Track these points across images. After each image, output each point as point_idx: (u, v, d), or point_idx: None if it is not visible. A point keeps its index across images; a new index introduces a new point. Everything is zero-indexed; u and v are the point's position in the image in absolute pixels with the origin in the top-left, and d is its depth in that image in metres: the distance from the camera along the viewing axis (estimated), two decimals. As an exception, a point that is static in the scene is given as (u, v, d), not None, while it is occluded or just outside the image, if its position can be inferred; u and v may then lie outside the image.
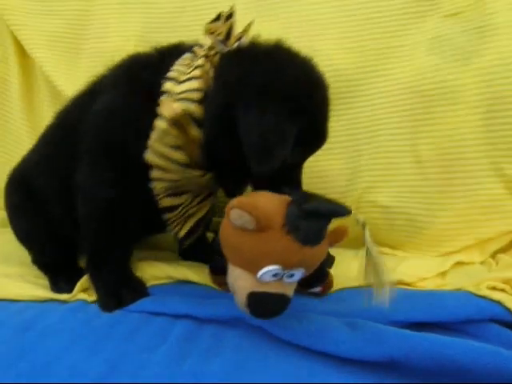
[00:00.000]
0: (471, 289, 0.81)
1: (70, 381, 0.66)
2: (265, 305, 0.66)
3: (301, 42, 1.05)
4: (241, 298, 0.67)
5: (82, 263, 0.97)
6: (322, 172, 1.04)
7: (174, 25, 1.15)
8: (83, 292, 0.88)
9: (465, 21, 0.99)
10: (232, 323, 0.75)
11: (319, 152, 0.99)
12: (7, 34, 1.18)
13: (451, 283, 0.89)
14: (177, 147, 0.75)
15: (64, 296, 0.87)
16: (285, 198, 0.66)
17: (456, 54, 0.98)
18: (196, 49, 0.80)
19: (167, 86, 0.75)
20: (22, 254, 0.99)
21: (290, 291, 0.67)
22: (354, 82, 1.04)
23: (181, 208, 0.82)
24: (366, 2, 1.06)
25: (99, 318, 0.79)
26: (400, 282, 0.90)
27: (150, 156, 0.75)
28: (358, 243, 1.03)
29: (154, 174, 0.77)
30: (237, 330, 0.75)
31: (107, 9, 1.16)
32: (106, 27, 1.15)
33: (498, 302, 0.78)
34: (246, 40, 0.78)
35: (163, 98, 0.74)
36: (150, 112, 0.74)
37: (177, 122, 0.73)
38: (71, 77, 1.15)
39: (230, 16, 0.77)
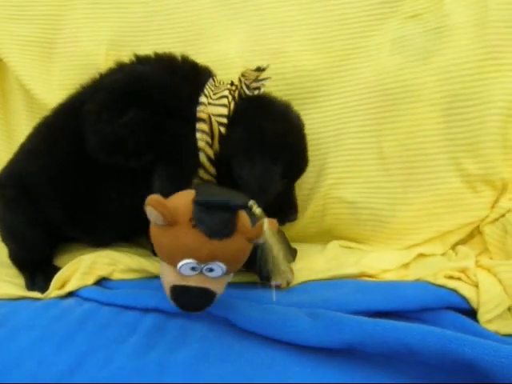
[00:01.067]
0: (429, 278, 0.84)
1: (39, 373, 0.68)
2: (186, 297, 0.69)
3: (269, 44, 1.09)
4: (167, 291, 0.71)
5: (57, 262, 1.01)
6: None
7: (147, 29, 1.16)
8: (58, 290, 0.89)
9: (424, 22, 1.02)
10: (199, 316, 0.77)
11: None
12: (-21, 38, 1.19)
13: (413, 274, 0.92)
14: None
15: (38, 295, 0.89)
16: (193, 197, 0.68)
17: (416, 53, 1.01)
18: (215, 79, 0.96)
19: (203, 99, 0.91)
20: (-4, 253, 1.01)
21: (215, 286, 0.69)
22: (321, 81, 1.07)
23: None
24: (331, 5, 1.08)
25: (71, 314, 0.81)
26: (363, 274, 0.92)
27: None
28: (323, 238, 1.06)
29: None
30: (203, 322, 0.77)
31: (78, 13, 1.17)
32: (77, 31, 1.16)
33: (454, 290, 0.81)
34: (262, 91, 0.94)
35: (201, 107, 0.90)
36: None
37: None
38: (44, 81, 1.15)
39: (263, 69, 0.90)
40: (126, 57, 1.07)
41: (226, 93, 0.92)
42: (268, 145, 0.89)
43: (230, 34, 1.11)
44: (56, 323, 0.79)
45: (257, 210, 0.64)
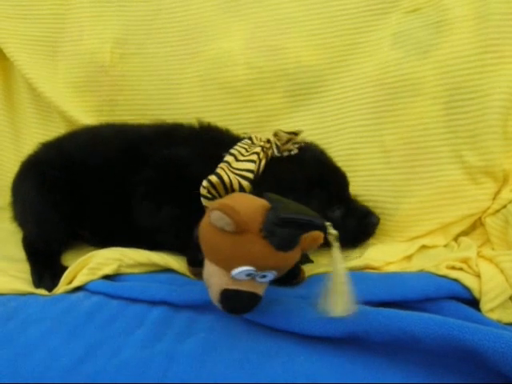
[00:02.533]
0: (432, 269, 0.85)
1: (49, 364, 0.69)
2: (236, 302, 0.69)
3: (271, 41, 1.10)
4: (214, 293, 0.70)
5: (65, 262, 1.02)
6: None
7: (150, 27, 1.18)
8: (66, 285, 0.91)
9: (424, 16, 1.04)
10: (206, 308, 0.78)
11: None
12: (-15, 37, 1.21)
13: (416, 266, 0.92)
14: None
15: (45, 292, 0.90)
16: (264, 204, 0.68)
17: (417, 47, 1.02)
18: (253, 137, 0.95)
19: (228, 158, 0.89)
20: (5, 248, 1.02)
21: (260, 291, 0.70)
22: (322, 77, 1.09)
23: None
24: (331, 0, 1.10)
25: (79, 307, 0.82)
26: (368, 267, 0.93)
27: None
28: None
29: None
30: (210, 315, 0.78)
31: (83, 12, 1.19)
32: (81, 30, 1.18)
33: (456, 280, 0.81)
34: (295, 151, 0.94)
35: (222, 164, 0.88)
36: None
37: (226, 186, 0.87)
38: (50, 79, 1.18)
39: (296, 133, 0.94)
40: (131, 55, 1.10)
41: (258, 149, 0.91)
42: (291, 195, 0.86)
43: (232, 31, 1.12)
44: (65, 316, 0.80)
45: (333, 232, 0.64)
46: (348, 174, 1.04)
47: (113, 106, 1.18)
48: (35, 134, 1.19)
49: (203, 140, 0.98)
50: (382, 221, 1.04)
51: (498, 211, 0.99)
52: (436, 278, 0.83)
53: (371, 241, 1.05)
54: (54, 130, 1.19)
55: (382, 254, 0.96)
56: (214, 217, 0.64)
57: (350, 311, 0.65)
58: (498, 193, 1.00)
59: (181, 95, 1.12)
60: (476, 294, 0.81)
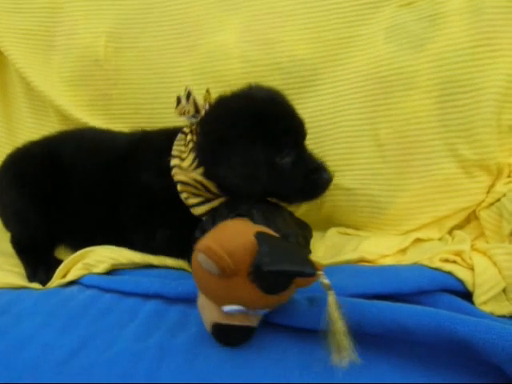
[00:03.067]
0: (425, 262, 0.85)
1: (42, 357, 0.69)
2: (228, 336, 0.68)
3: (265, 34, 1.10)
4: (207, 325, 0.70)
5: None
6: (287, 158, 1.07)
7: (145, 20, 1.17)
8: (59, 279, 0.91)
9: (418, 10, 1.03)
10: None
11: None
12: (-21, 31, 1.20)
13: (410, 259, 0.93)
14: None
15: (39, 286, 0.91)
16: (254, 244, 0.64)
17: (411, 41, 1.02)
18: (184, 129, 0.96)
19: (174, 162, 0.93)
20: (-1, 244, 1.02)
21: (255, 321, 0.69)
22: (316, 70, 1.08)
23: None
24: (325, -7, 1.10)
25: (73, 301, 0.83)
26: (362, 260, 0.93)
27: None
28: (321, 226, 1.07)
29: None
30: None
31: (77, 6, 1.19)
32: (76, 24, 1.18)
33: (450, 273, 0.82)
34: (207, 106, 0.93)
35: (174, 171, 0.92)
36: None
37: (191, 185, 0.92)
38: (44, 73, 1.18)
39: (189, 94, 0.92)
40: (125, 48, 1.10)
41: (190, 137, 0.94)
42: (235, 132, 0.87)
43: (227, 24, 1.12)
44: (59, 309, 0.80)
45: (324, 281, 0.62)
46: (342, 168, 1.05)
47: (107, 100, 1.18)
48: (29, 129, 1.19)
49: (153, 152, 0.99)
50: (376, 214, 1.04)
51: (492, 204, 0.99)
52: (430, 270, 0.83)
53: (365, 234, 1.06)
54: (48, 125, 1.19)
55: (377, 247, 0.96)
56: (200, 259, 0.62)
57: (351, 359, 0.60)
58: (492, 186, 1.01)
59: (175, 89, 1.10)
60: (469, 286, 0.81)
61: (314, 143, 1.06)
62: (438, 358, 0.66)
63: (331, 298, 0.61)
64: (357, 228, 1.08)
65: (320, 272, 0.62)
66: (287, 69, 1.08)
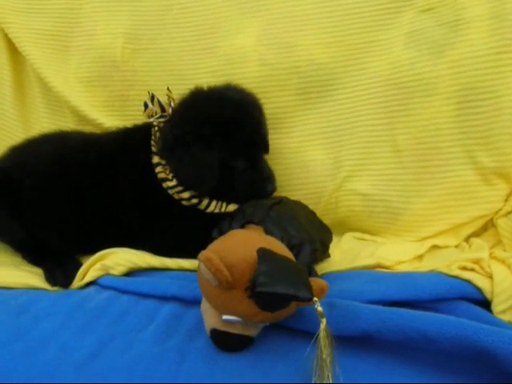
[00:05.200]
0: (443, 269, 0.85)
1: (62, 358, 0.70)
2: (224, 342, 0.69)
3: (283, 38, 1.10)
4: (206, 329, 0.71)
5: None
6: (304, 162, 1.07)
7: (162, 22, 1.17)
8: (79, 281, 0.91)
9: (438, 15, 1.03)
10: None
11: (301, 143, 1.04)
12: (-2, 31, 1.21)
13: (427, 265, 0.92)
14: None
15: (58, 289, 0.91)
16: (255, 259, 0.64)
17: (430, 47, 1.02)
18: (154, 123, 1.00)
19: (155, 159, 0.96)
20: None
21: (253, 332, 0.69)
22: (334, 75, 1.08)
23: None
24: (344, -2, 1.09)
25: (90, 302, 0.83)
26: (379, 266, 0.93)
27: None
28: (337, 230, 1.07)
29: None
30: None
31: (95, 7, 1.18)
32: (94, 25, 1.18)
33: (468, 281, 0.81)
34: (173, 104, 0.99)
35: (158, 169, 0.96)
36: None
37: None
38: (61, 73, 1.17)
39: (153, 97, 0.98)
40: (143, 50, 1.10)
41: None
42: (193, 132, 0.91)
43: (245, 27, 1.12)
44: (76, 310, 0.81)
45: (319, 308, 0.62)
46: (359, 173, 1.05)
47: (123, 101, 1.18)
48: (46, 129, 1.18)
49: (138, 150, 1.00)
50: (392, 220, 1.04)
51: (510, 213, 0.99)
52: (448, 278, 0.83)
53: (381, 240, 1.06)
54: (65, 125, 1.19)
55: (393, 253, 0.96)
56: (201, 268, 0.63)
57: None
58: (510, 194, 1.00)
59: (193, 91, 1.12)
60: (488, 295, 0.80)
61: (332, 147, 1.07)
62: (459, 368, 0.66)
63: (323, 326, 0.61)
64: (373, 233, 1.08)
65: (315, 298, 0.62)
66: (305, 73, 1.07)
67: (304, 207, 0.95)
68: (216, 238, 0.71)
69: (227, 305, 0.65)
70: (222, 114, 0.91)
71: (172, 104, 0.98)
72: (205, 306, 0.71)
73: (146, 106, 0.98)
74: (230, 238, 0.70)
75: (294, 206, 0.93)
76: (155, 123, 0.99)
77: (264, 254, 0.64)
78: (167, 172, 0.95)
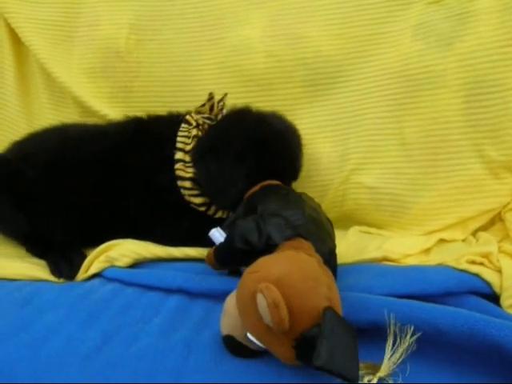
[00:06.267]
0: (452, 263, 0.84)
1: (67, 350, 0.69)
2: (237, 350, 0.66)
3: (290, 29, 1.09)
4: (221, 328, 0.68)
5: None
6: (311, 155, 1.06)
7: (168, 13, 1.16)
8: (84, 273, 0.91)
9: (447, 7, 1.02)
10: (223, 298, 0.77)
11: (308, 135, 1.03)
12: (0, 21, 1.19)
13: (434, 259, 0.92)
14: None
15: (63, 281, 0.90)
16: (319, 311, 0.58)
17: (439, 39, 1.01)
18: (188, 118, 0.98)
19: (179, 155, 0.95)
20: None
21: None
22: (342, 67, 1.07)
23: None
24: (352, -11, 1.08)
25: (95, 294, 0.82)
26: (386, 259, 0.93)
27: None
28: (343, 224, 1.06)
29: None
30: (227, 304, 0.78)
31: (99, -4, 1.18)
32: (98, 15, 1.16)
33: (477, 275, 0.81)
34: (224, 111, 0.98)
35: (177, 165, 0.95)
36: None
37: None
38: (65, 64, 1.16)
39: (211, 98, 0.97)
40: (147, 41, 1.09)
41: (195, 131, 0.96)
42: (229, 145, 0.91)
43: (252, 18, 1.11)
44: (81, 302, 0.80)
45: None
46: (366, 166, 1.04)
47: (128, 92, 1.16)
48: (49, 120, 1.17)
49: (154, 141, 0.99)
50: (399, 214, 1.04)
51: (518, 207, 0.98)
52: (456, 272, 0.82)
53: (387, 233, 1.05)
54: (68, 116, 1.18)
55: (401, 247, 0.96)
56: (258, 301, 0.58)
57: None
58: (518, 188, 0.99)
59: (198, 82, 1.10)
60: (496, 289, 0.80)
61: (339, 140, 1.06)
62: (469, 360, 0.65)
63: None
64: (379, 227, 1.07)
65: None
66: (312, 64, 1.06)
67: (311, 199, 0.93)
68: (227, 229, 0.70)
69: (263, 338, 0.61)
70: (262, 137, 0.91)
71: (224, 111, 0.98)
72: (231, 309, 0.66)
73: (210, 98, 0.98)
74: (295, 266, 0.63)
75: (308, 200, 0.87)
76: (200, 122, 0.97)
77: (331, 318, 0.58)
78: (187, 171, 0.94)
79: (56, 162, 1.00)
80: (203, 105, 0.98)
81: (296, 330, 0.57)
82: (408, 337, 0.62)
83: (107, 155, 0.99)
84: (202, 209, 0.96)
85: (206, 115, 0.97)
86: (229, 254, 0.79)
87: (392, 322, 0.63)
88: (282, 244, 0.71)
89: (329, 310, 0.59)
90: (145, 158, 0.97)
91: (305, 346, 0.57)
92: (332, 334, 0.57)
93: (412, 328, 0.62)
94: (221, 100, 0.98)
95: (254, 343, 0.62)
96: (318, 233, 0.76)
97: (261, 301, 0.57)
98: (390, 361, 0.61)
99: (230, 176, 0.90)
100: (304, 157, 0.99)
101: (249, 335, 0.62)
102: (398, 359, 0.61)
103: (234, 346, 0.66)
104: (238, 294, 0.65)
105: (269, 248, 0.71)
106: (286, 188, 0.91)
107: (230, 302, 0.68)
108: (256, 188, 0.88)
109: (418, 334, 0.63)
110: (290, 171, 0.96)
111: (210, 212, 0.96)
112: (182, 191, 0.95)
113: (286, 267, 0.63)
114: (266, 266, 0.63)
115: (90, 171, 0.99)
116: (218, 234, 0.83)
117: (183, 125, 0.98)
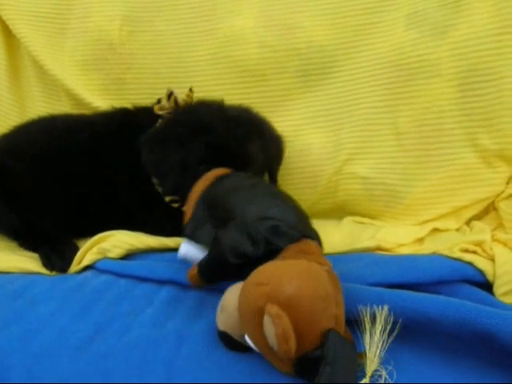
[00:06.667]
0: (445, 252, 0.84)
1: (59, 342, 0.69)
2: (232, 345, 0.66)
3: (283, 20, 1.09)
4: (218, 323, 0.67)
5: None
6: (304, 145, 1.06)
7: (160, 4, 1.15)
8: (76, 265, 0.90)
9: (440, -4, 1.02)
10: (215, 289, 0.77)
11: (301, 126, 1.02)
12: (-9, 14, 1.18)
13: (428, 248, 0.91)
14: None
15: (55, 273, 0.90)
16: (324, 331, 0.56)
17: (432, 28, 1.00)
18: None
19: None
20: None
21: None
22: (335, 57, 1.07)
23: None
24: (345, -21, 1.07)
25: (87, 286, 0.82)
26: (379, 248, 0.92)
27: None
28: (336, 214, 1.06)
29: None
30: (219, 295, 0.77)
31: (91, -12, 1.17)
32: (90, 7, 1.16)
33: (470, 263, 0.80)
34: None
35: None
36: None
37: None
38: (57, 56, 1.16)
39: (171, 94, 0.98)
40: (140, 32, 1.08)
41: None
42: (173, 132, 0.91)
43: (244, 9, 1.10)
44: (73, 294, 0.80)
45: None
46: (359, 156, 1.04)
47: (120, 84, 1.16)
48: (41, 113, 1.16)
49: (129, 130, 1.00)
50: (392, 204, 1.04)
51: (511, 195, 0.98)
52: (449, 260, 0.82)
53: (381, 223, 1.05)
54: (61, 109, 1.17)
55: (394, 236, 0.95)
56: (266, 323, 0.55)
57: None
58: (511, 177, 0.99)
59: (191, 73, 1.10)
60: (489, 277, 0.80)
61: (332, 130, 1.06)
62: (461, 349, 0.65)
63: None
64: (373, 217, 1.07)
65: None
66: (305, 55, 1.06)
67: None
68: None
69: (263, 350, 0.59)
70: (205, 123, 0.90)
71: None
72: (230, 310, 0.64)
73: (158, 101, 0.99)
74: (306, 282, 0.59)
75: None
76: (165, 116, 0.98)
77: (334, 341, 0.56)
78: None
79: (42, 154, 1.00)
80: (158, 102, 0.99)
81: (299, 351, 0.55)
82: (381, 318, 0.61)
83: (93, 146, 0.99)
84: (175, 205, 0.96)
85: (169, 110, 0.98)
86: (220, 270, 0.72)
87: (363, 308, 0.63)
88: (287, 247, 0.66)
89: (333, 332, 0.57)
90: (131, 149, 0.95)
91: (305, 365, 0.56)
92: (334, 359, 0.55)
93: (385, 309, 0.62)
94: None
95: (252, 346, 0.61)
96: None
97: (269, 325, 0.55)
98: (372, 346, 0.60)
99: (168, 159, 0.90)
100: (276, 147, 0.98)
101: (247, 338, 0.61)
102: (379, 343, 0.60)
103: (229, 342, 0.66)
104: (241, 302, 0.61)
105: (270, 253, 0.66)
106: (243, 176, 0.84)
107: (229, 300, 0.66)
108: (207, 182, 0.81)
109: (391, 314, 0.62)
110: (236, 157, 0.90)
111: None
112: (157, 187, 0.95)
113: (298, 283, 0.58)
114: (277, 280, 0.58)
115: (77, 162, 0.99)
116: (190, 247, 0.78)
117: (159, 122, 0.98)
